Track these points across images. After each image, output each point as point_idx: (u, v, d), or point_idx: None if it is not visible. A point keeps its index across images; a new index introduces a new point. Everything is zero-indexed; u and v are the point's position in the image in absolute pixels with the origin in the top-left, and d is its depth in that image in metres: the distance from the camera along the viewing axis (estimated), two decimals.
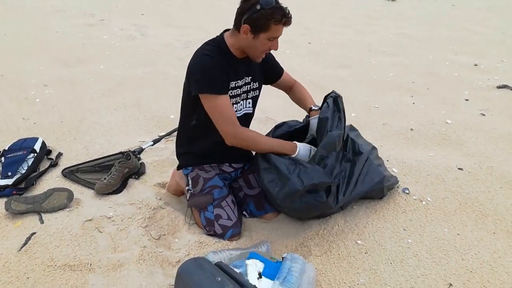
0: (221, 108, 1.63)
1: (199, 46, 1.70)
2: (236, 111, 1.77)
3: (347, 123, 2.10)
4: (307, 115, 2.01)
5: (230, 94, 1.71)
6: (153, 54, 4.79)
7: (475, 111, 3.33)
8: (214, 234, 1.79)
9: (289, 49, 5.11)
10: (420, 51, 5.36)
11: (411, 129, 2.94)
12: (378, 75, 4.30)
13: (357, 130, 2.14)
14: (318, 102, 2.01)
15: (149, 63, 4.41)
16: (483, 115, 3.25)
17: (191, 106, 1.74)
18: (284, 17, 1.56)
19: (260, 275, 1.42)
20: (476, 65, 4.69)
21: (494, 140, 2.79)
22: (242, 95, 1.79)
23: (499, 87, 3.93)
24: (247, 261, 1.46)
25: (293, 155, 1.73)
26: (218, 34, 1.73)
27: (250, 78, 1.79)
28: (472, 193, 2.15)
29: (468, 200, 2.09)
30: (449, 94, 3.74)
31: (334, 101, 1.85)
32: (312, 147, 1.80)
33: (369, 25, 7.07)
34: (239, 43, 1.64)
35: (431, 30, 6.78)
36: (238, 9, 1.59)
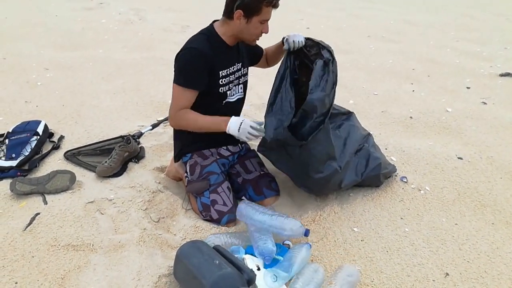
0: (179, 97, 1.72)
1: (196, 32, 1.77)
2: (230, 96, 1.84)
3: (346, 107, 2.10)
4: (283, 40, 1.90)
5: (223, 82, 1.77)
6: (151, 39, 4.76)
7: (476, 99, 3.32)
8: (211, 220, 1.82)
9: (287, 35, 5.04)
10: (421, 37, 5.32)
11: (411, 117, 2.94)
12: (377, 61, 4.28)
13: (354, 116, 2.13)
14: None
15: (147, 48, 4.39)
16: (485, 103, 3.24)
17: None
18: None
19: (258, 268, 1.47)
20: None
21: (495, 129, 2.79)
22: (235, 81, 1.85)
23: (501, 75, 3.92)
24: (244, 256, 1.52)
25: (226, 130, 1.69)
26: (208, 26, 1.78)
27: (240, 64, 1.86)
28: (472, 183, 2.16)
29: (467, 190, 2.11)
30: (449, 81, 3.73)
31: (324, 65, 1.77)
32: (245, 119, 1.67)
33: (368, 10, 6.99)
34: (232, 30, 1.71)
35: (432, 15, 6.70)
36: None
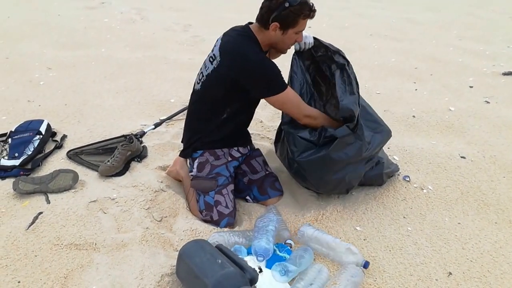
0: (294, 98, 1.74)
1: (230, 37, 1.75)
2: None
3: None
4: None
5: None
6: (153, 38, 4.76)
7: (479, 98, 3.31)
8: (210, 220, 1.82)
9: None
10: (423, 36, 5.30)
11: (413, 116, 2.93)
12: (380, 60, 4.27)
13: None
14: None
15: (149, 47, 4.40)
16: (488, 102, 3.23)
17: (223, 103, 1.78)
18: (311, 11, 1.65)
19: (260, 269, 1.47)
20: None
21: (498, 128, 2.78)
22: None
23: (504, 74, 3.90)
24: (246, 258, 1.52)
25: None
26: (245, 28, 1.75)
27: None
28: (475, 182, 2.16)
29: (470, 189, 2.10)
30: (452, 80, 3.72)
31: (341, 72, 1.81)
32: None
33: (370, 8, 6.97)
34: (268, 39, 1.73)
35: (435, 14, 6.68)
36: (263, 7, 1.66)
